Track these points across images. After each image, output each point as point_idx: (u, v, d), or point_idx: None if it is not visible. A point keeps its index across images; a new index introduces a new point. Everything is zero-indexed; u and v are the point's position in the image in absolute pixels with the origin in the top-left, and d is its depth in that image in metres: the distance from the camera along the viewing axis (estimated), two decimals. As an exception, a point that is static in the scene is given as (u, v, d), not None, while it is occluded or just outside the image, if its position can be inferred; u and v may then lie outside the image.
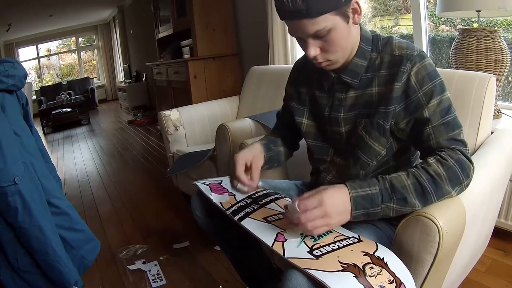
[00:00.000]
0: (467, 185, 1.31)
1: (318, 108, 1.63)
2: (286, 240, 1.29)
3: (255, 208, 1.52)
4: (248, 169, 1.55)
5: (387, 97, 1.40)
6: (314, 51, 1.38)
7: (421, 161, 1.38)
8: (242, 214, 1.48)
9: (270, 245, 1.28)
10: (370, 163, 1.51)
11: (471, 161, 1.32)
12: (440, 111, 1.35)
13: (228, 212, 1.50)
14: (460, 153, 1.31)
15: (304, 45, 1.41)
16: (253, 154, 1.58)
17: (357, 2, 1.32)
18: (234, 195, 1.62)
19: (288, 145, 1.89)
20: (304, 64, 1.71)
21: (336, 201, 1.25)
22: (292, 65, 1.86)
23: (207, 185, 1.70)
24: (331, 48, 1.37)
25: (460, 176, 1.27)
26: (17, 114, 2.09)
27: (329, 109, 1.58)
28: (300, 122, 1.71)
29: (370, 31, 1.50)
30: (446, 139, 1.34)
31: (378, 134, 1.45)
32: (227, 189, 1.67)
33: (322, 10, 1.25)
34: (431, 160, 1.30)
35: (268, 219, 1.44)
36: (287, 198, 1.62)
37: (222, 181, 1.76)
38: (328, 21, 1.29)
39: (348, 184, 1.29)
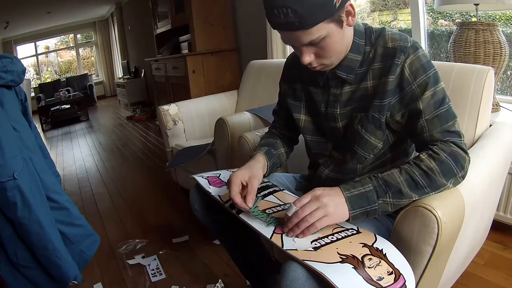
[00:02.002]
0: (463, 176, 1.31)
1: (314, 104, 1.63)
2: (284, 232, 1.30)
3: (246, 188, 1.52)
4: (244, 187, 1.50)
5: (382, 90, 1.40)
6: (308, 58, 1.37)
7: (417, 154, 1.39)
8: None
9: (269, 237, 1.28)
10: (367, 157, 1.51)
11: (466, 152, 1.32)
12: (434, 103, 1.35)
13: (227, 205, 1.50)
14: (453, 145, 1.31)
15: (297, 51, 1.40)
16: (250, 174, 1.52)
17: (351, 5, 1.31)
18: None
19: (288, 143, 1.89)
20: (296, 59, 1.69)
21: (331, 194, 1.28)
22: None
23: (205, 178, 1.70)
24: (326, 53, 1.37)
25: (453, 168, 1.27)
26: (15, 109, 2.09)
27: (325, 105, 1.57)
28: (298, 118, 1.70)
29: (362, 23, 1.49)
30: (439, 132, 1.34)
31: (374, 127, 1.45)
32: (225, 182, 1.66)
33: (315, 21, 1.24)
34: (423, 155, 1.31)
35: (267, 211, 1.44)
36: (285, 191, 1.63)
37: (220, 174, 1.76)
38: (322, 30, 1.28)
39: (342, 187, 1.31)
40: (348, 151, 1.55)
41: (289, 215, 1.26)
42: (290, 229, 1.26)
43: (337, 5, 1.24)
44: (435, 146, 1.31)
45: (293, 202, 1.27)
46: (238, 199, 1.43)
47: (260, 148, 1.73)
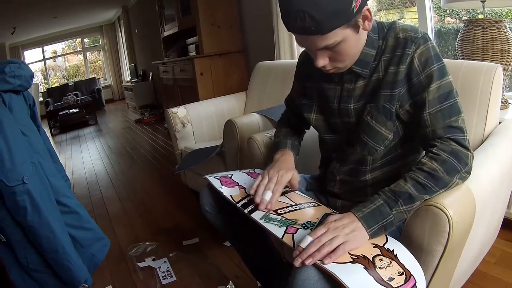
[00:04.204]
0: (468, 172, 1.31)
1: (326, 101, 1.62)
2: (296, 232, 1.30)
3: (287, 189, 1.55)
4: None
5: (393, 80, 1.40)
6: (322, 61, 1.37)
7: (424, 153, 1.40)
8: (252, 207, 1.49)
9: (280, 237, 1.28)
10: (377, 148, 1.50)
11: (467, 149, 1.32)
12: (439, 96, 1.34)
13: (239, 205, 1.51)
14: (454, 143, 1.31)
15: (312, 54, 1.40)
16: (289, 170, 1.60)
17: (368, 9, 1.30)
18: (245, 189, 1.62)
19: (302, 130, 1.97)
20: (308, 57, 1.68)
21: (345, 221, 1.24)
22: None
23: (217, 178, 1.70)
24: (341, 58, 1.37)
25: (457, 166, 1.27)
26: (24, 114, 2.10)
27: (337, 100, 1.57)
28: (309, 118, 1.71)
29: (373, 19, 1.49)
30: (442, 128, 1.34)
31: (385, 118, 1.44)
32: (238, 183, 1.67)
33: (332, 26, 1.23)
34: (424, 159, 1.31)
35: (279, 211, 1.45)
36: (297, 191, 1.64)
37: (232, 174, 1.76)
38: (339, 35, 1.27)
39: (353, 210, 1.29)
40: (358, 143, 1.54)
41: (303, 246, 1.18)
42: (309, 255, 1.14)
43: (355, 10, 1.24)
44: (435, 148, 1.32)
45: (308, 234, 1.22)
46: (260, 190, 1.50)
47: (285, 141, 1.81)
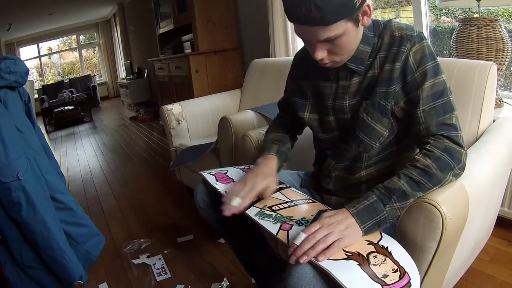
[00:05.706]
0: (461, 169, 1.32)
1: (321, 99, 1.63)
2: (291, 228, 1.30)
3: (260, 197, 1.53)
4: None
5: (388, 77, 1.42)
6: (321, 54, 1.37)
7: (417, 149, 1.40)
8: None
9: (275, 234, 1.29)
10: (373, 145, 1.51)
11: (461, 146, 1.33)
12: (433, 94, 1.36)
13: None
14: (447, 140, 1.32)
15: (310, 47, 1.41)
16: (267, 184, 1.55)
17: (368, 5, 1.32)
18: None
19: (293, 136, 1.93)
20: (304, 56, 1.70)
21: (338, 217, 1.25)
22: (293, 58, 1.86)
23: (212, 175, 1.71)
24: (339, 51, 1.38)
25: (450, 163, 1.28)
26: (19, 110, 2.09)
27: (332, 97, 1.58)
28: (303, 117, 1.71)
29: None
30: (435, 125, 1.35)
31: (380, 114, 1.45)
32: (233, 179, 1.68)
33: (336, 18, 1.24)
34: (418, 156, 1.32)
35: (273, 208, 1.45)
36: (292, 188, 1.64)
37: (227, 171, 1.77)
38: (340, 27, 1.28)
39: (346, 206, 1.29)
40: (354, 139, 1.55)
41: (297, 243, 1.18)
42: (304, 252, 1.15)
43: (357, 4, 1.25)
44: (428, 145, 1.33)
45: (302, 231, 1.22)
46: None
47: (270, 146, 1.75)
